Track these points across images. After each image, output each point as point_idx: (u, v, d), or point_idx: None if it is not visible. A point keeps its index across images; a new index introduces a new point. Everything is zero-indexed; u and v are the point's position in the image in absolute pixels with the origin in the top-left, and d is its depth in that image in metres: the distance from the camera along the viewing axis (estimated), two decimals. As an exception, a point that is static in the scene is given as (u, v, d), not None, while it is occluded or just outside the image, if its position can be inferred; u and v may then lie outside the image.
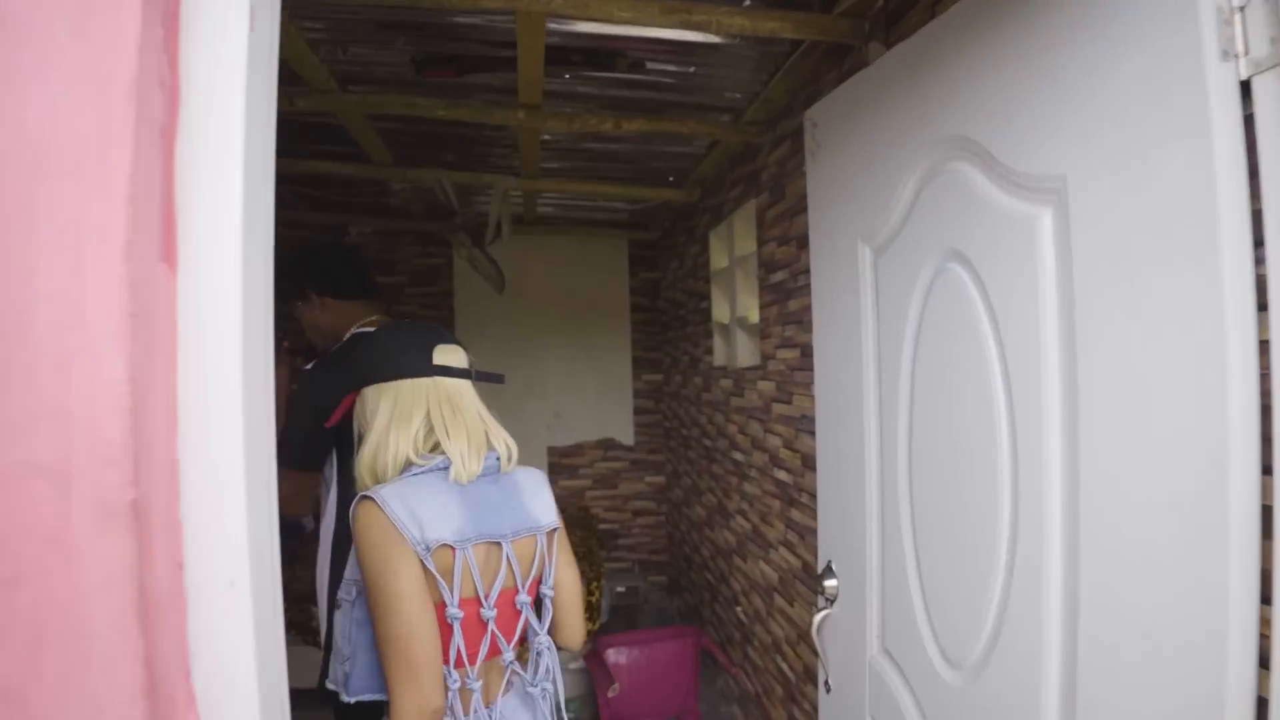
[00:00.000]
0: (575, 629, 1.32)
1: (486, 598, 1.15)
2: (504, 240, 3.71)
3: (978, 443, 1.19)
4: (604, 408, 4.89)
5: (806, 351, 2.34)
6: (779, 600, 2.66)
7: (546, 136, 2.99)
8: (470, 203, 4.00)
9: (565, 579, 1.32)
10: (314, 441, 1.81)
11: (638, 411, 4.94)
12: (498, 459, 1.24)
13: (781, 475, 2.60)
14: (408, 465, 1.20)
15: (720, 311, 3.41)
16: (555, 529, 1.30)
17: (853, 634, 1.62)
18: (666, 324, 4.69)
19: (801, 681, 2.43)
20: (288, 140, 3.30)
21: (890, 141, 1.43)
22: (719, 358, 3.43)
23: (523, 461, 1.32)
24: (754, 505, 2.93)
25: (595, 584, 3.46)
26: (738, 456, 3.15)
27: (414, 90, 2.50)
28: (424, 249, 4.75)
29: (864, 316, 1.55)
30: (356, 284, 2.15)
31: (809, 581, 2.37)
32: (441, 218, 4.23)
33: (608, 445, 4.91)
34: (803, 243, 2.34)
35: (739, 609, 3.16)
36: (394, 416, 1.20)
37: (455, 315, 4.80)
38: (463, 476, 1.17)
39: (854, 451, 1.59)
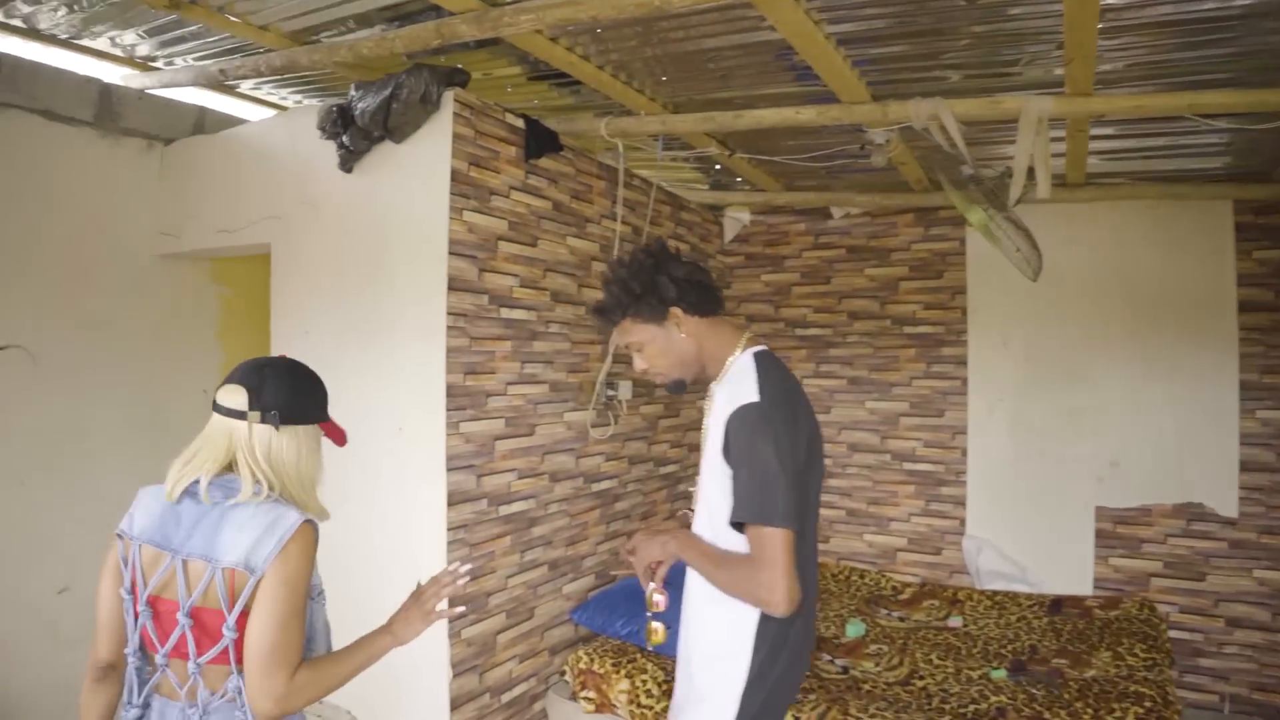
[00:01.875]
0: (255, 688, 1.31)
1: (135, 592, 1.37)
2: (1039, 196, 2.52)
3: None
4: (1189, 457, 3.62)
5: None
6: None
7: (1108, -2, 1.81)
8: (993, 153, 2.92)
9: (253, 630, 1.32)
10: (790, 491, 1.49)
11: (1246, 467, 3.51)
12: (197, 484, 1.38)
13: None
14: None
15: None
16: (247, 575, 1.33)
17: None
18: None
19: None
20: (733, 81, 2.60)
21: None
22: None
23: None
24: None
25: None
26: None
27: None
28: (926, 230, 3.81)
29: None
30: (716, 295, 1.69)
31: None
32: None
33: (1193, 514, 3.58)
34: None
35: None
36: None
37: (967, 317, 3.76)
38: (168, 493, 1.39)
39: None
